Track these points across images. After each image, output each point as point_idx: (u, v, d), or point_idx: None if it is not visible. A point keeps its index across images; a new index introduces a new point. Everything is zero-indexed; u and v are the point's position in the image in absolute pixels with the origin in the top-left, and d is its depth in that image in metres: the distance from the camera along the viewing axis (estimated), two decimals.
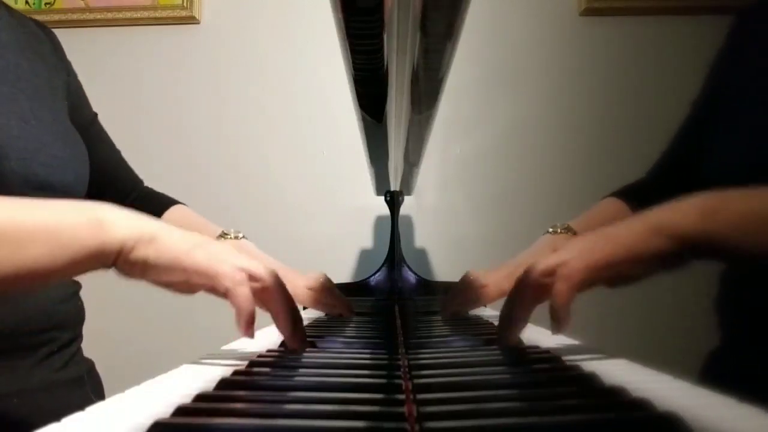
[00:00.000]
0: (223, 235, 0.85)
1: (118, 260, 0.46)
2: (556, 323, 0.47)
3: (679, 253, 0.46)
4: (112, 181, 0.90)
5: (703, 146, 0.78)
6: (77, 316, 0.80)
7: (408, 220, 1.48)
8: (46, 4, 1.53)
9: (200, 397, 0.33)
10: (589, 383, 0.36)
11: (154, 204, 0.93)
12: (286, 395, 0.34)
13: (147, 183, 0.97)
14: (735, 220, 0.46)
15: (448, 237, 1.47)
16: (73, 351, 0.77)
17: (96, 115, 0.94)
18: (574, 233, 0.82)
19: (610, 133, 1.47)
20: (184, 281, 0.47)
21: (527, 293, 0.49)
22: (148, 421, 0.28)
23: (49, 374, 0.70)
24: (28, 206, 0.45)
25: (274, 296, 0.50)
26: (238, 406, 0.33)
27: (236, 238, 0.85)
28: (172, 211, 0.92)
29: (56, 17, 1.52)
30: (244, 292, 0.47)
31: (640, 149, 1.47)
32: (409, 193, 1.22)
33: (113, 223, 0.45)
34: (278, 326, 0.52)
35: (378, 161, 0.91)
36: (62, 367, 0.73)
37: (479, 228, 1.46)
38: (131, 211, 0.48)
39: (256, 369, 0.42)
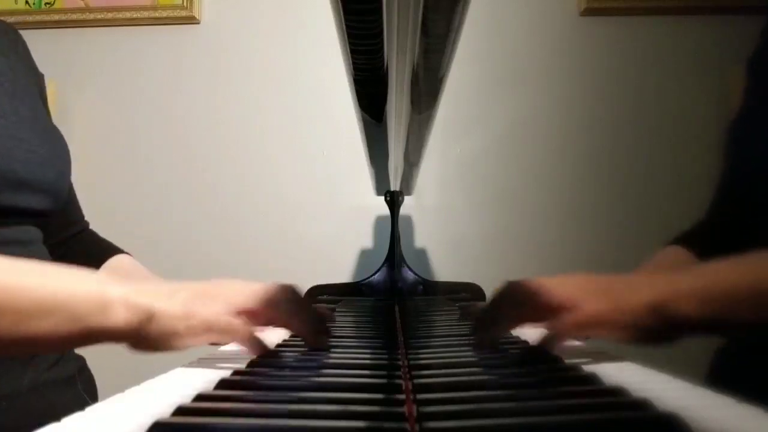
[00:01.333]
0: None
1: (129, 340, 0.47)
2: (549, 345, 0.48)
3: (678, 334, 0.46)
4: (68, 205, 0.84)
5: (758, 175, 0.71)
6: None
7: (408, 220, 1.48)
8: (46, 3, 1.53)
9: (200, 397, 0.33)
10: (589, 383, 0.36)
11: (97, 248, 0.88)
12: (286, 395, 0.34)
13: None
14: (733, 303, 0.45)
15: (448, 237, 1.47)
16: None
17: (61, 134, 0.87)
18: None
19: (610, 133, 1.48)
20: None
21: (521, 313, 0.50)
22: (148, 421, 0.28)
23: (39, 374, 0.69)
24: (39, 273, 0.45)
25: (273, 318, 0.52)
26: (238, 406, 0.33)
27: None
28: (116, 261, 0.87)
29: (56, 17, 1.52)
30: (240, 335, 0.49)
31: (640, 149, 1.47)
32: (409, 193, 1.22)
33: (118, 305, 0.45)
34: (299, 335, 0.54)
35: (378, 161, 0.91)
36: (51, 367, 0.71)
37: (479, 228, 1.46)
38: (134, 284, 0.48)
39: (256, 369, 0.42)
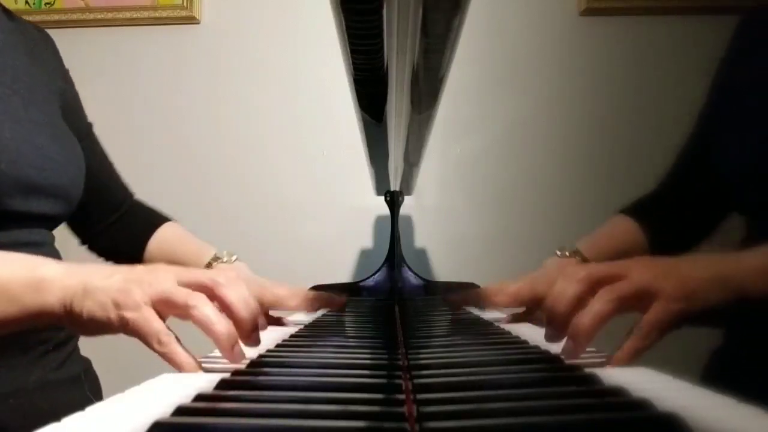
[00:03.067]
0: (215, 259, 0.85)
1: (64, 321, 0.45)
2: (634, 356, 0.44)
3: (744, 313, 0.45)
4: (104, 194, 0.89)
5: (715, 153, 0.76)
6: None
7: (408, 220, 1.48)
8: (46, 4, 1.53)
9: (200, 397, 0.33)
10: (589, 383, 0.36)
11: (145, 220, 0.92)
12: (286, 395, 0.34)
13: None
14: None
15: (448, 237, 1.47)
16: (70, 350, 0.77)
17: (91, 125, 0.93)
18: (584, 258, 0.79)
19: (610, 133, 1.48)
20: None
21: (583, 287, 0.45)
22: (148, 421, 0.28)
23: (46, 373, 0.69)
24: None
25: (222, 299, 0.48)
26: (238, 406, 0.33)
27: (229, 261, 0.85)
28: (163, 229, 0.92)
29: (56, 17, 1.52)
30: (204, 308, 0.45)
31: (640, 149, 1.47)
32: (409, 193, 1.22)
33: (52, 283, 0.45)
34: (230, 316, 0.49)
35: (378, 161, 0.91)
36: (59, 366, 0.72)
37: (479, 228, 1.46)
38: (70, 264, 0.47)
39: (256, 369, 0.42)
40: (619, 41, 1.48)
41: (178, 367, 0.45)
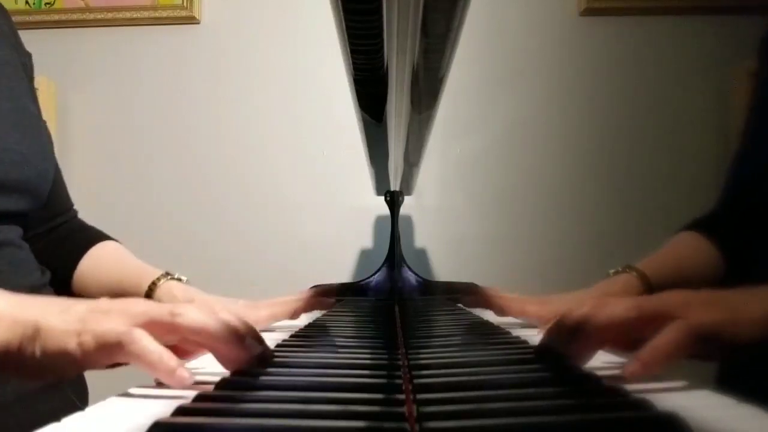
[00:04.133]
0: (164, 276, 0.77)
1: (9, 363, 0.39)
2: (642, 370, 0.39)
3: None
4: (46, 198, 0.78)
5: None
6: None
7: (408, 220, 1.48)
8: (46, 4, 1.53)
9: (200, 397, 0.33)
10: (589, 383, 0.36)
11: (81, 236, 0.83)
12: (286, 395, 0.34)
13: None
14: None
15: (448, 237, 1.47)
16: None
17: (45, 122, 0.82)
18: (642, 274, 0.71)
19: (610, 133, 1.48)
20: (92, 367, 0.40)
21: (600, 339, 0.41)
22: (148, 421, 0.28)
23: (23, 383, 0.62)
24: None
25: (182, 328, 0.41)
26: (238, 406, 0.33)
27: (179, 280, 0.77)
28: (101, 247, 0.82)
29: (56, 17, 1.52)
30: (139, 341, 0.38)
31: (640, 149, 1.47)
32: (409, 193, 1.22)
33: None
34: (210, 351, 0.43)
35: (378, 161, 0.91)
36: None
37: (479, 228, 1.46)
38: (21, 297, 0.42)
39: (255, 369, 0.42)
40: (619, 41, 1.48)
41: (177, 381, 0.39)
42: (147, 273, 0.78)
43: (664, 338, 0.39)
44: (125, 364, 0.40)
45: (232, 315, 0.43)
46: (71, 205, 0.87)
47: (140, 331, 0.39)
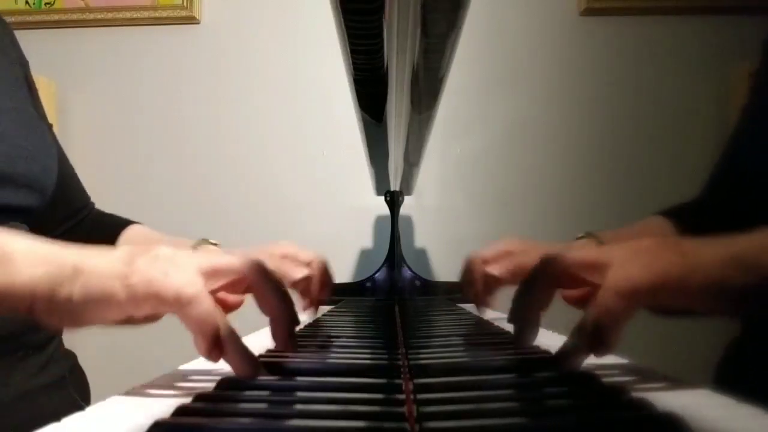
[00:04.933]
0: (200, 242, 0.79)
1: (35, 307, 0.36)
2: (602, 345, 0.37)
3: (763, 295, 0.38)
4: (63, 197, 0.80)
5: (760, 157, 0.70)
6: None
7: (408, 220, 1.48)
8: (46, 4, 1.53)
9: (200, 397, 0.33)
10: (589, 383, 0.36)
11: (109, 224, 0.85)
12: (286, 395, 0.34)
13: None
14: None
15: (448, 237, 1.47)
16: (51, 351, 0.70)
17: (51, 126, 0.84)
18: (599, 241, 0.75)
19: (610, 133, 1.48)
20: (126, 318, 0.38)
21: (552, 279, 0.41)
22: (148, 421, 0.28)
23: (26, 380, 0.64)
24: None
25: (257, 286, 0.39)
26: (238, 406, 0.33)
27: (215, 245, 0.79)
28: (128, 232, 0.83)
29: (56, 17, 1.52)
30: (196, 313, 0.36)
31: (639, 149, 1.47)
32: (409, 193, 1.22)
33: (21, 256, 0.36)
34: (269, 314, 0.41)
35: (378, 161, 0.91)
36: (39, 371, 0.67)
37: (479, 228, 1.46)
38: (48, 241, 0.39)
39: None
40: (619, 41, 1.48)
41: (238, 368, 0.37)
42: (184, 243, 0.80)
43: (598, 309, 0.37)
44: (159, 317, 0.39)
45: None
46: (89, 199, 0.89)
47: (203, 295, 0.36)
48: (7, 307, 0.36)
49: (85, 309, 0.36)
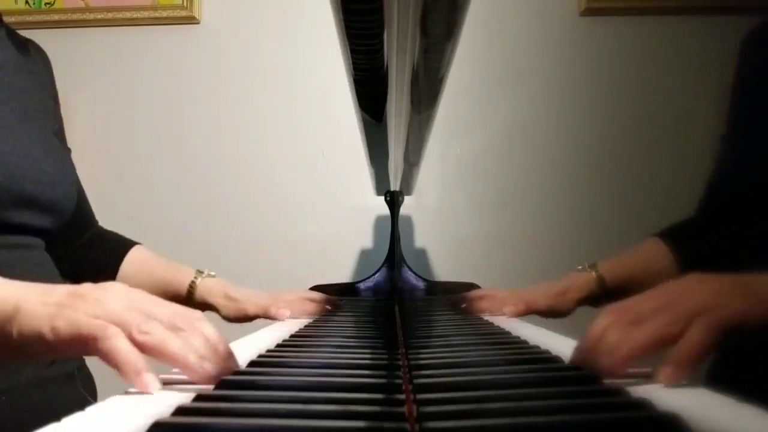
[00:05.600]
0: (198, 274, 0.86)
1: None
2: (674, 374, 0.38)
3: None
4: (75, 218, 0.84)
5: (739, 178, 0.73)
6: None
7: (408, 220, 1.48)
8: (46, 4, 1.53)
9: (200, 397, 0.33)
10: (589, 383, 0.36)
11: (114, 244, 0.91)
12: (286, 395, 0.34)
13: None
14: None
15: (448, 237, 1.47)
16: None
17: (70, 151, 0.88)
18: (599, 275, 0.79)
19: (610, 133, 1.48)
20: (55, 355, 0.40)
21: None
22: (148, 421, 0.28)
23: (39, 370, 0.68)
24: None
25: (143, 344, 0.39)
26: (238, 406, 0.33)
27: (209, 276, 0.87)
28: (135, 252, 0.90)
29: (56, 17, 1.52)
30: (113, 340, 0.37)
31: (640, 149, 1.47)
32: (409, 193, 1.22)
33: None
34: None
35: (378, 161, 0.91)
36: (52, 363, 0.71)
37: (479, 228, 1.46)
38: (7, 280, 0.42)
39: (256, 369, 0.42)
40: (619, 41, 1.48)
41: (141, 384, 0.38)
42: (183, 273, 0.87)
43: (693, 339, 0.38)
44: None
45: (202, 340, 0.40)
46: (94, 217, 0.94)
47: (116, 329, 0.38)
48: None
49: (22, 346, 0.38)
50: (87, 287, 0.41)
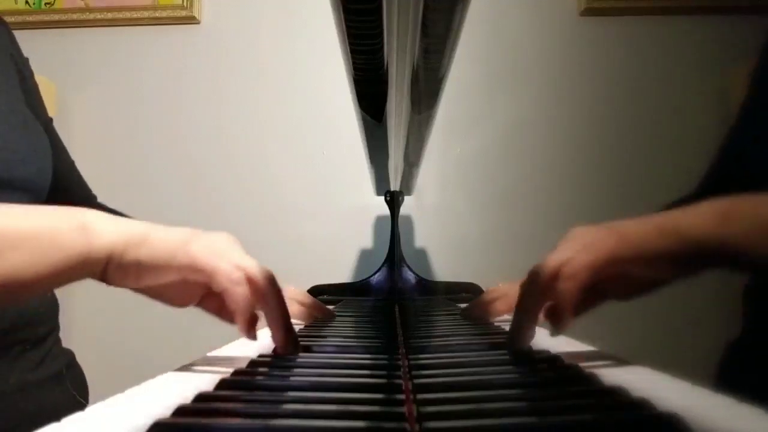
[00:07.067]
0: None
1: (109, 267, 0.44)
2: (557, 324, 0.45)
3: (691, 256, 0.44)
4: (64, 191, 0.82)
5: (756, 152, 0.72)
6: (51, 307, 0.75)
7: (408, 220, 1.48)
8: (46, 4, 1.53)
9: (200, 397, 0.33)
10: (589, 383, 0.36)
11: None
12: (286, 395, 0.34)
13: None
14: (753, 225, 0.43)
15: (448, 237, 1.47)
16: (49, 346, 0.72)
17: (51, 120, 0.85)
18: None
19: (610, 133, 1.48)
20: (181, 281, 0.45)
21: (533, 298, 0.47)
22: (148, 421, 0.28)
23: (25, 374, 0.65)
24: (6, 212, 0.42)
25: (268, 299, 0.47)
26: (238, 406, 0.33)
27: None
28: None
29: (56, 17, 1.52)
30: (241, 293, 0.45)
31: (640, 149, 1.47)
32: (409, 193, 1.22)
33: (100, 227, 0.43)
34: (271, 329, 0.49)
35: (378, 161, 0.91)
36: (38, 365, 0.68)
37: (479, 228, 1.46)
38: (117, 216, 0.46)
39: (256, 369, 0.42)
40: (619, 41, 1.48)
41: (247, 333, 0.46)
42: None
43: (558, 294, 0.44)
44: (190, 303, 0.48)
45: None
46: (90, 191, 0.90)
47: (246, 286, 0.45)
48: (86, 270, 0.43)
49: (149, 269, 0.43)
50: (199, 232, 0.48)
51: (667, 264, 0.44)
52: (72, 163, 0.86)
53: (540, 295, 0.46)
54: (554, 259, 0.46)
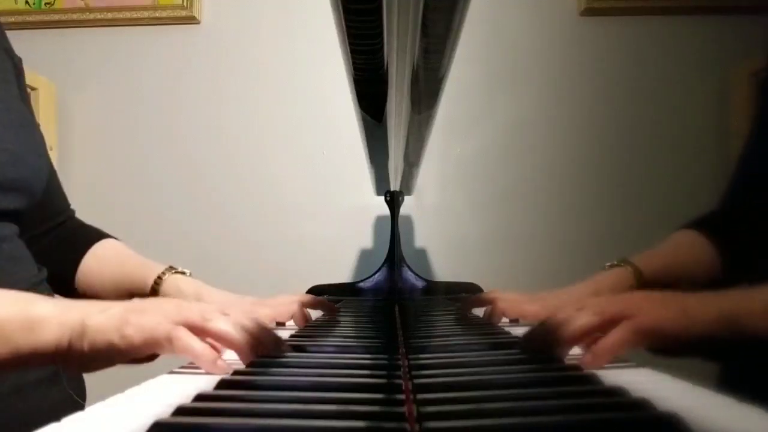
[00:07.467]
0: (168, 270, 0.80)
1: (57, 360, 0.44)
2: (590, 361, 0.44)
3: (741, 343, 0.46)
4: (42, 200, 0.77)
5: None
6: None
7: (408, 220, 1.48)
8: (46, 4, 1.53)
9: (200, 397, 0.33)
10: (589, 383, 0.36)
11: (82, 235, 0.85)
12: (286, 395, 0.34)
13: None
14: None
15: (448, 237, 1.47)
16: None
17: (38, 125, 0.81)
18: (637, 268, 0.74)
19: (610, 133, 1.48)
20: (131, 358, 0.45)
21: (583, 332, 0.46)
22: (148, 421, 0.28)
23: (20, 375, 0.64)
24: None
25: (212, 332, 0.46)
26: (238, 406, 0.33)
27: (183, 273, 0.81)
28: (103, 245, 0.84)
29: (56, 17, 1.52)
30: (185, 339, 0.44)
31: (639, 149, 1.47)
32: (409, 193, 1.22)
33: (44, 322, 0.44)
34: (232, 349, 0.47)
35: (378, 161, 0.91)
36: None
37: (480, 228, 1.46)
38: (63, 301, 0.47)
39: (256, 369, 0.42)
40: (619, 41, 1.48)
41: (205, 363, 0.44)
42: (151, 268, 0.81)
43: (612, 336, 0.45)
44: (156, 356, 0.47)
45: (250, 320, 0.48)
46: (68, 205, 0.87)
47: (184, 329, 0.44)
48: (34, 364, 0.45)
49: (94, 359, 0.44)
50: (141, 302, 0.48)
51: (712, 343, 0.46)
52: (54, 171, 0.84)
53: (592, 331, 0.47)
54: (615, 305, 0.47)
